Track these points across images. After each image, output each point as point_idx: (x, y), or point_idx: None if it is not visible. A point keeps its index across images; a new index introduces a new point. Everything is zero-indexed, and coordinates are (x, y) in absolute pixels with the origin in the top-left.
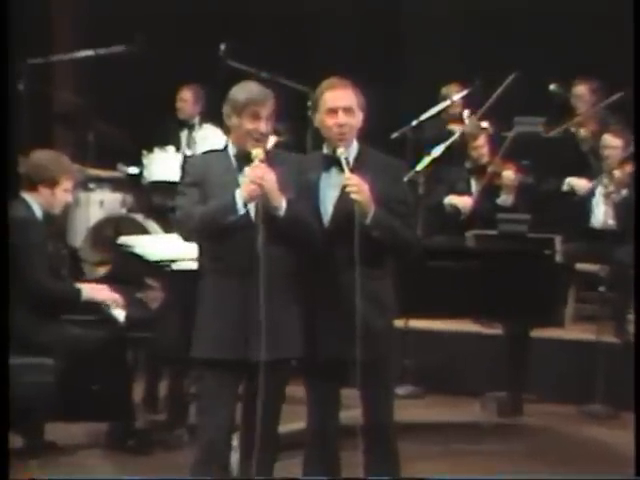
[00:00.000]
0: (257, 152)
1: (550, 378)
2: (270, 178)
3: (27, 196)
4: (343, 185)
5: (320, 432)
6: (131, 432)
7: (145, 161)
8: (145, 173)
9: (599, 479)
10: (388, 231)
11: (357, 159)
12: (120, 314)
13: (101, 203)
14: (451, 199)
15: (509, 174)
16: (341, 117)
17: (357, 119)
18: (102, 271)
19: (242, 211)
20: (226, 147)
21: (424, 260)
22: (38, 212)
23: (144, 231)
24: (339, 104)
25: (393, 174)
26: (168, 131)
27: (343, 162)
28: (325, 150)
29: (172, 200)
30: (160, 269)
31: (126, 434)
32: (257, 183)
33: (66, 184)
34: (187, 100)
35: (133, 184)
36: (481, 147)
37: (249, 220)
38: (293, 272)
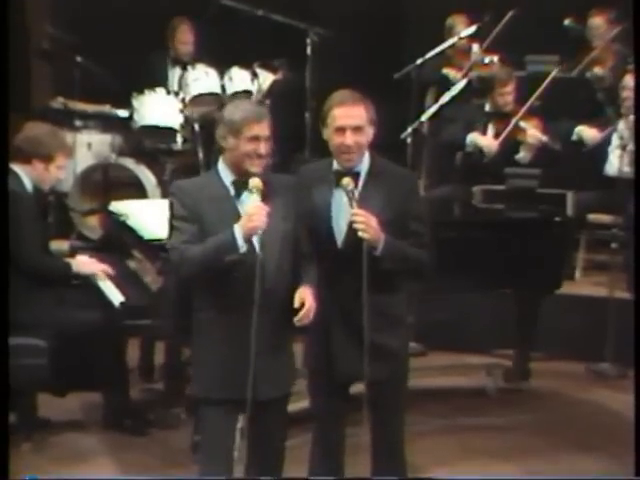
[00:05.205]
0: (255, 183)
1: (558, 335)
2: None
3: (19, 169)
4: (350, 220)
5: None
6: (127, 410)
7: (135, 103)
8: (135, 117)
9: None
10: (400, 260)
11: (369, 173)
12: (116, 297)
13: (89, 146)
14: (475, 137)
15: (536, 133)
16: (349, 137)
17: (367, 136)
18: (91, 221)
19: (243, 248)
20: (217, 172)
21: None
22: (29, 186)
23: (135, 178)
24: (347, 123)
25: (407, 187)
26: (157, 71)
27: (349, 196)
28: (335, 166)
29: (164, 144)
30: (156, 250)
31: (122, 412)
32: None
33: (60, 160)
34: (187, 42)
35: (123, 126)
36: (508, 94)
37: (249, 254)
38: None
